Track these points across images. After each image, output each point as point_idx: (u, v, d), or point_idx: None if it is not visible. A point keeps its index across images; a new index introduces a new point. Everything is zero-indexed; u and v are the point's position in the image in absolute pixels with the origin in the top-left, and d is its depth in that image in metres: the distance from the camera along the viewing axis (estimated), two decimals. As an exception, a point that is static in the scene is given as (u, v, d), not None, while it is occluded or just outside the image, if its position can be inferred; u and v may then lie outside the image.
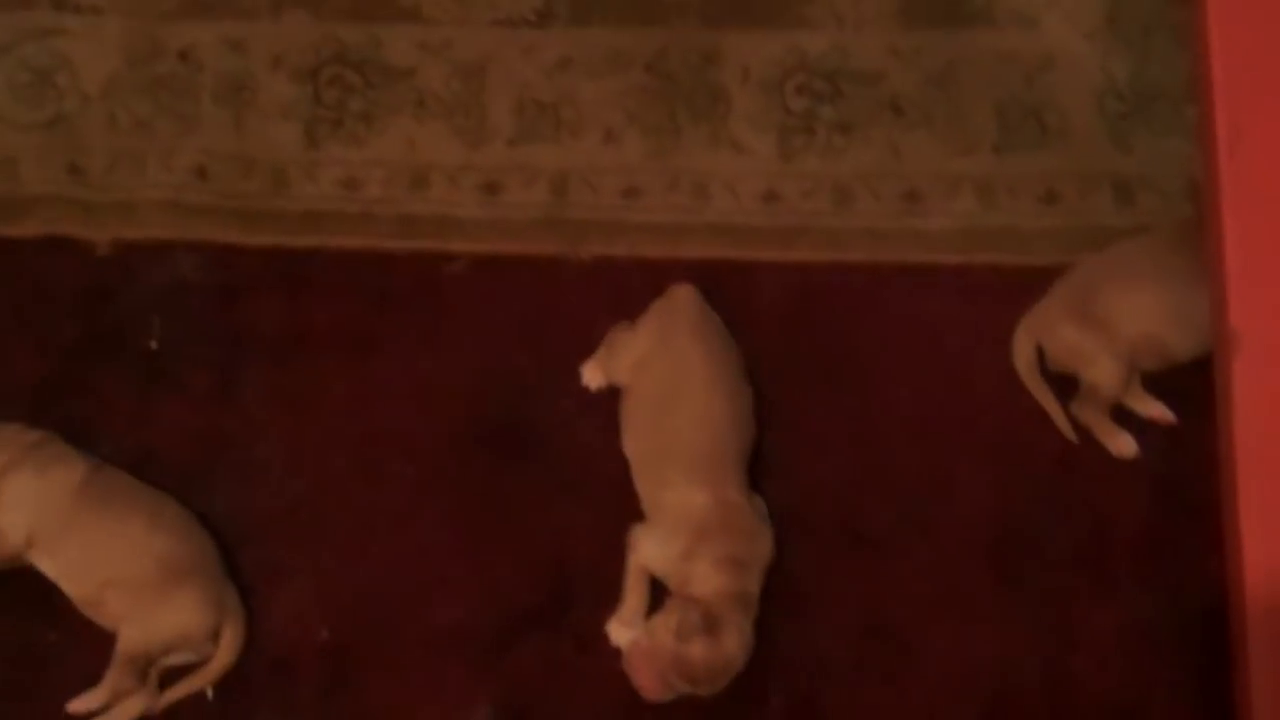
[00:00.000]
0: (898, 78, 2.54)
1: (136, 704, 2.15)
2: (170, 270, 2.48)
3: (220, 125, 2.57)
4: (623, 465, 2.27)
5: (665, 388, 2.23)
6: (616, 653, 2.17)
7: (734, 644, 2.08)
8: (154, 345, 2.42)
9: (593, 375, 2.33)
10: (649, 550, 2.18)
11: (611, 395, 2.32)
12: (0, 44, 2.65)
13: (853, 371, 2.39)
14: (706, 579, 2.11)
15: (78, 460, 2.24)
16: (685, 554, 2.13)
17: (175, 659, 2.19)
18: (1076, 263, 2.36)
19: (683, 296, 2.30)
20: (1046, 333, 2.30)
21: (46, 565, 2.21)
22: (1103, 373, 2.26)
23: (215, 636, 2.18)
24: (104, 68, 2.61)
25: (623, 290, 2.41)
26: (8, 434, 2.25)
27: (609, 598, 2.21)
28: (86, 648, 2.20)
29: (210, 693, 2.20)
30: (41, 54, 2.63)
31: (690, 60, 2.57)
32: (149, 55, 2.62)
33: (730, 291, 2.40)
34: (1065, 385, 2.33)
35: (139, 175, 2.54)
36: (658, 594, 2.19)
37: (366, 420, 2.37)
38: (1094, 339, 2.26)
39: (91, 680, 2.17)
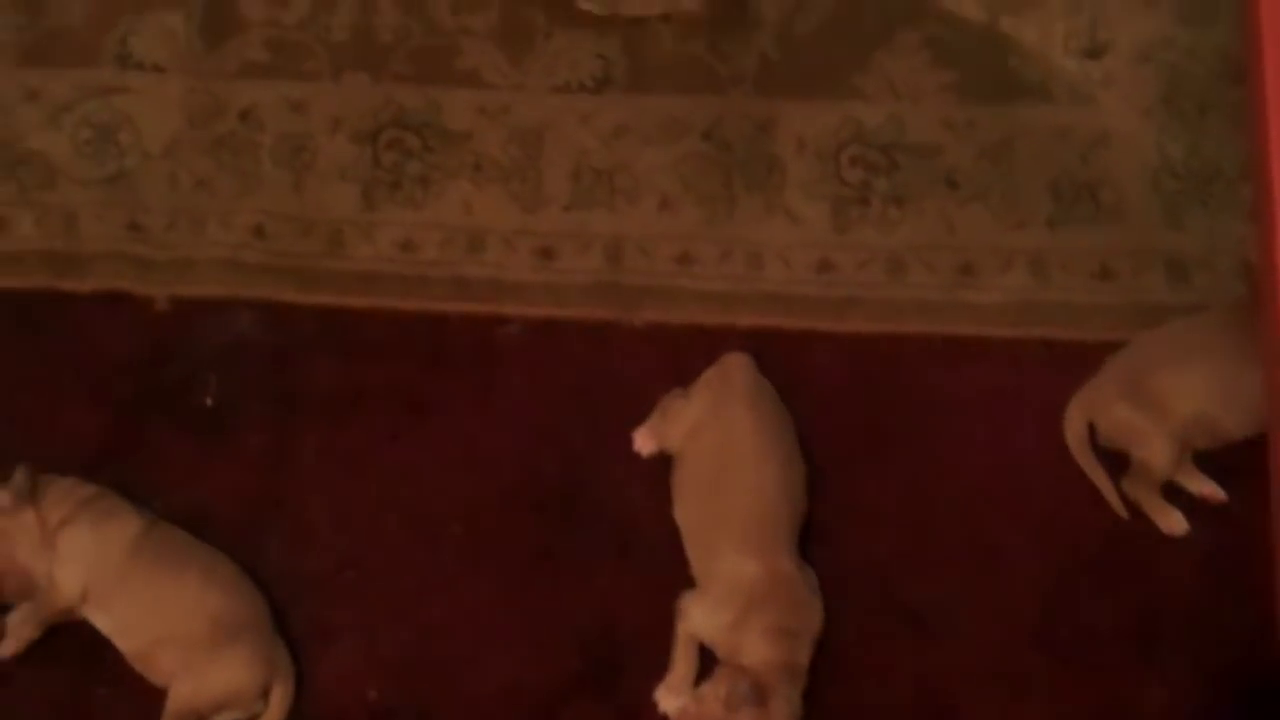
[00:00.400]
0: (953, 151, 2.59)
1: (185, 760, 2.19)
2: (227, 328, 2.53)
3: (279, 185, 2.63)
4: (673, 532, 2.30)
5: (718, 456, 2.27)
6: (664, 720, 2.20)
7: (782, 715, 2.11)
8: (209, 402, 2.47)
9: (645, 442, 2.37)
10: (699, 618, 2.21)
11: (663, 462, 2.36)
12: (64, 100, 2.71)
13: (904, 443, 2.42)
14: (756, 649, 2.14)
15: (133, 516, 2.29)
16: (735, 623, 2.17)
17: (225, 716, 2.22)
18: (1130, 340, 2.39)
19: (737, 365, 2.35)
20: (1099, 409, 2.33)
21: (99, 619, 2.25)
22: (1155, 451, 2.29)
23: (265, 695, 2.22)
24: (166, 126, 2.68)
25: (676, 357, 2.46)
26: (64, 488, 2.30)
27: (657, 665, 2.25)
28: (136, 703, 2.25)
29: (259, 750, 2.24)
30: (104, 111, 2.70)
31: (746, 129, 2.62)
32: (210, 115, 2.69)
33: (783, 361, 2.43)
34: (1116, 461, 2.35)
35: (198, 233, 2.60)
36: (706, 662, 2.22)
37: (418, 481, 2.42)
38: (1147, 417, 2.29)
39: (141, 736, 2.20)
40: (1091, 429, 2.35)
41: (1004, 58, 2.66)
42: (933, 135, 2.60)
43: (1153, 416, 2.29)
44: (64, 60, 2.75)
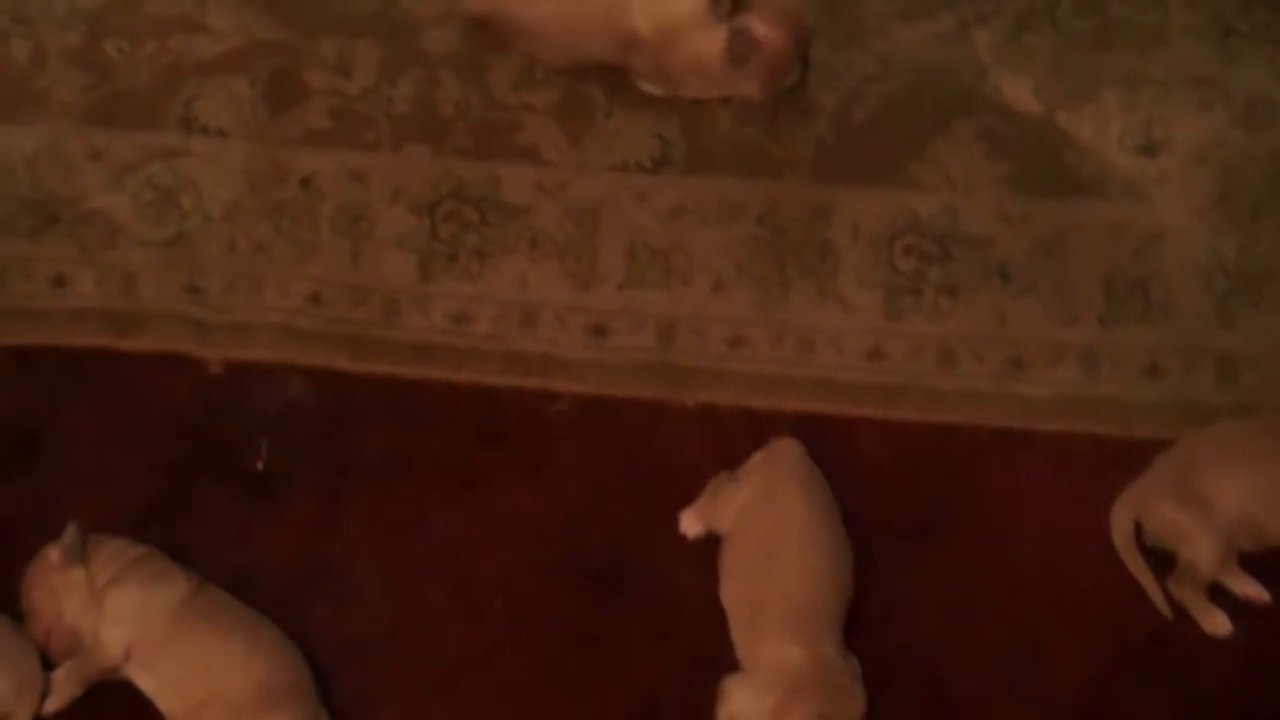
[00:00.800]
0: (1006, 243, 2.64)
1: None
2: (280, 393, 2.59)
3: (337, 253, 2.69)
4: (718, 613, 2.34)
5: (766, 540, 2.31)
6: (704, 802, 2.23)
7: (821, 801, 2.14)
8: (260, 466, 2.52)
9: (691, 524, 2.42)
10: (741, 702, 2.24)
11: (709, 543, 2.40)
12: (128, 161, 2.79)
13: (949, 533, 2.46)
14: (797, 735, 2.17)
15: (180, 578, 2.33)
16: (777, 709, 2.20)
17: (265, 781, 2.26)
18: (1178, 439, 2.43)
19: (788, 450, 2.39)
20: (1146, 508, 2.37)
21: (144, 680, 2.29)
22: (1201, 552, 2.33)
23: (306, 761, 2.25)
24: (227, 191, 2.75)
25: (725, 439, 2.50)
26: (113, 548, 2.35)
27: (699, 747, 2.27)
28: (178, 763, 2.28)
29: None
30: (167, 174, 2.78)
31: (801, 214, 2.68)
32: (272, 181, 2.76)
33: (831, 447, 2.47)
34: (1162, 560, 2.38)
35: (256, 298, 2.66)
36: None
37: (465, 553, 2.46)
38: (1194, 518, 2.32)
39: (181, 797, 2.24)
40: (1138, 527, 2.38)
41: (1060, 152, 2.71)
42: (987, 227, 2.66)
43: (1199, 517, 2.32)
44: (129, 121, 2.83)
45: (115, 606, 2.28)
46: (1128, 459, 2.44)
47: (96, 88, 2.86)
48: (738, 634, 2.29)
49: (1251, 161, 2.68)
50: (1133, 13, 2.84)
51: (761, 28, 2.68)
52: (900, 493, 2.48)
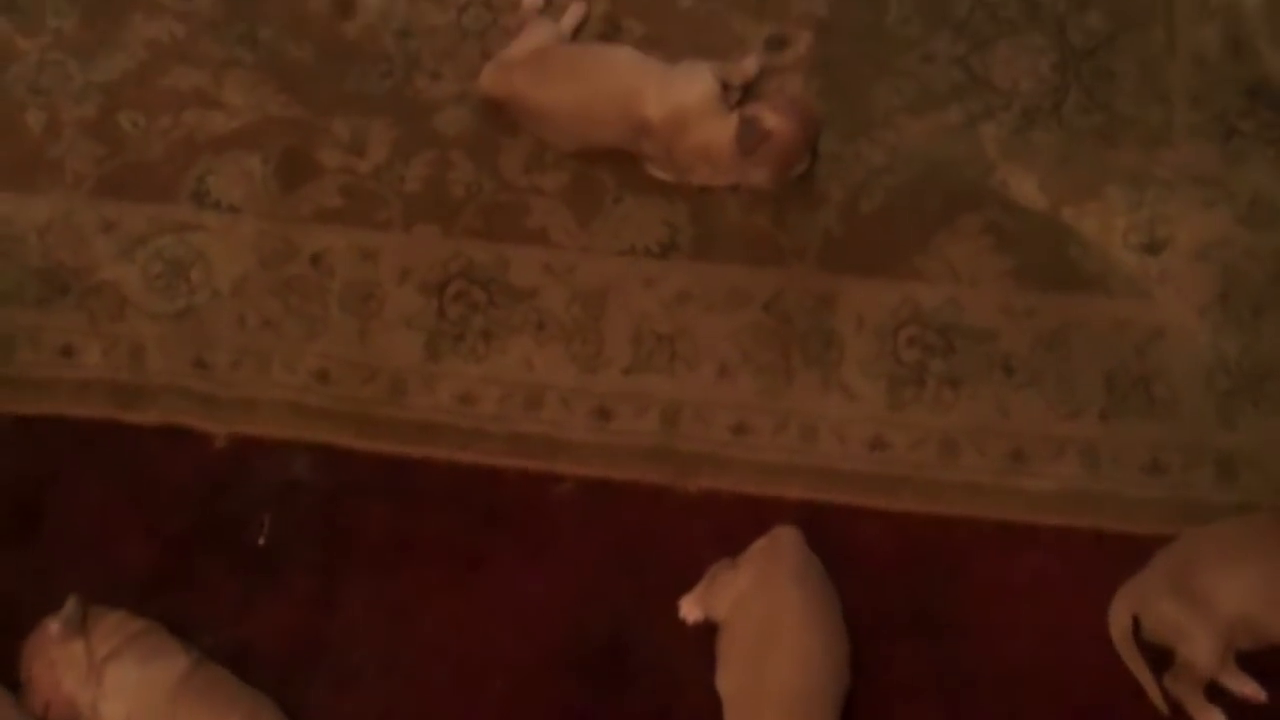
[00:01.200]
0: (1010, 337, 2.69)
1: None
2: (284, 469, 2.63)
3: (345, 331, 2.75)
4: (714, 700, 2.36)
5: (763, 628, 2.34)
6: None
7: None
8: (262, 542, 2.57)
9: (691, 609, 2.45)
10: (738, 790, 2.27)
11: (709, 628, 2.43)
12: (139, 234, 2.85)
13: (948, 624, 2.49)
14: (792, 824, 2.20)
15: (180, 653, 2.37)
16: (774, 798, 2.22)
17: None
18: (1178, 535, 2.46)
19: (787, 539, 2.43)
20: (1145, 605, 2.40)
21: (141, 755, 2.32)
22: (1199, 650, 2.36)
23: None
24: (237, 266, 2.81)
25: (726, 525, 2.54)
26: (113, 621, 2.38)
27: (692, 834, 2.30)
28: (172, 840, 2.30)
29: None
30: (178, 247, 2.83)
31: (806, 303, 2.74)
32: (282, 257, 2.82)
33: (831, 535, 2.51)
34: (1160, 656, 2.41)
35: (263, 374, 2.71)
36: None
37: (464, 634, 2.49)
38: (1192, 616, 2.35)
39: None
40: (1137, 623, 2.41)
41: (1064, 247, 2.76)
42: (990, 320, 2.71)
43: (1198, 615, 2.35)
44: (141, 194, 2.89)
45: (114, 681, 2.32)
46: (1128, 554, 2.47)
47: (110, 160, 2.92)
48: (734, 721, 2.31)
49: (1254, 261, 2.73)
50: (1138, 111, 2.88)
51: (771, 118, 2.74)
52: (901, 583, 2.51)
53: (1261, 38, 2.91)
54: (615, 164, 2.86)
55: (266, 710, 2.35)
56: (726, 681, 2.36)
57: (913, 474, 2.60)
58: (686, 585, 2.48)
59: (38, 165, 2.92)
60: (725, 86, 2.83)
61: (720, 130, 2.75)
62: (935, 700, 2.44)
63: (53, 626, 2.33)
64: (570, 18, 3.00)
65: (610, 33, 3.00)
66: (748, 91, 2.88)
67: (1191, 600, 2.35)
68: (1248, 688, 2.38)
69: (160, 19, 3.06)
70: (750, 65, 2.90)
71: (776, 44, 2.97)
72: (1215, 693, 2.40)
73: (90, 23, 3.06)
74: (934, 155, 2.84)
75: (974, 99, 2.89)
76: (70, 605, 2.33)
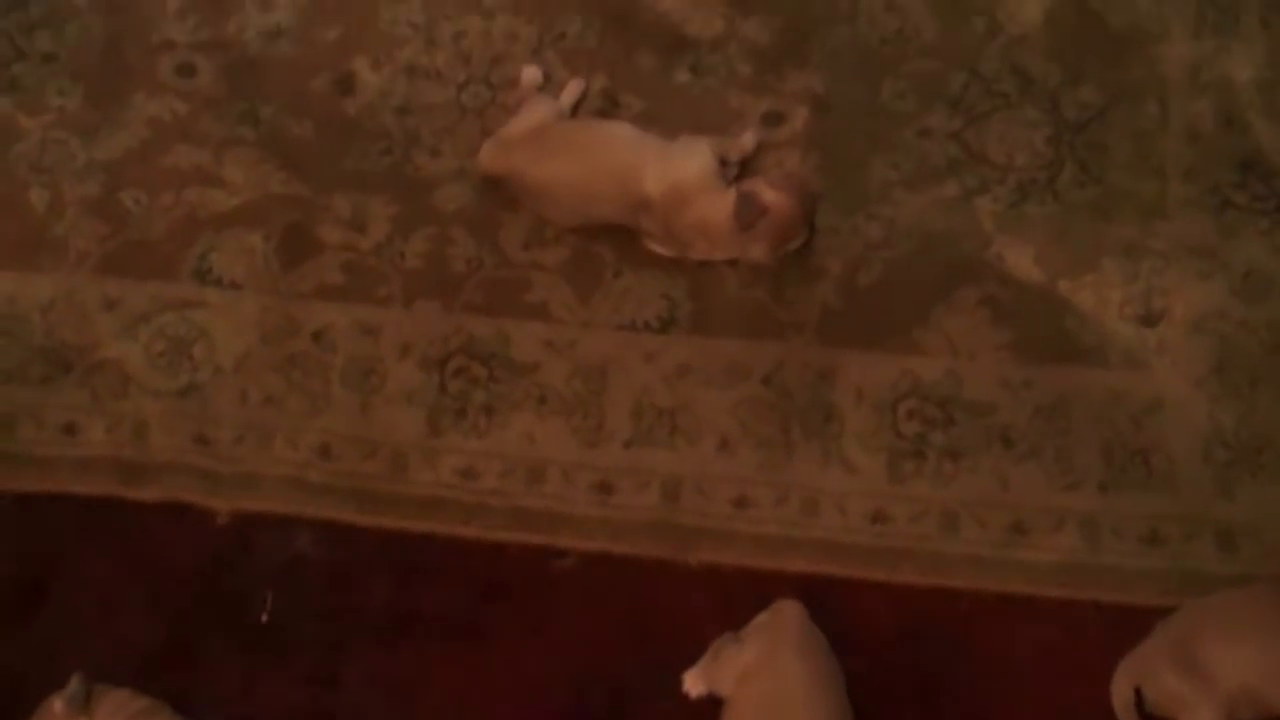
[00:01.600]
0: (1008, 409, 2.74)
1: None
2: (287, 545, 2.67)
3: (347, 407, 2.79)
4: (719, 775, 2.40)
5: (767, 703, 2.37)
6: None
7: None
8: (265, 618, 2.60)
9: (694, 683, 2.49)
10: None
11: (712, 703, 2.46)
12: (141, 312, 2.90)
13: (951, 697, 2.53)
14: None
15: (184, 730, 2.40)
16: None
17: None
18: (1178, 607, 2.50)
19: (790, 613, 2.46)
20: (1147, 676, 2.44)
21: (145, 833, 2.35)
22: (1202, 722, 2.40)
23: None
24: (239, 342, 2.86)
25: (729, 598, 2.58)
26: (117, 699, 2.41)
27: None
28: None
29: None
30: (180, 324, 2.88)
31: (806, 377, 2.79)
32: (284, 334, 2.87)
33: (833, 608, 2.55)
34: (1163, 728, 2.45)
35: (265, 450, 2.75)
36: None
37: (467, 708, 2.53)
38: (1194, 688, 2.39)
39: None
40: (1139, 695, 2.45)
41: (1061, 319, 2.82)
42: (989, 392, 2.76)
43: (1200, 687, 2.39)
44: (144, 272, 2.94)
45: (117, 760, 2.34)
46: (1129, 625, 2.51)
47: (112, 238, 2.98)
48: (740, 798, 2.34)
49: (1249, 332, 2.78)
50: (1132, 184, 2.94)
51: (769, 193, 2.80)
52: (903, 656, 2.55)
53: (1253, 111, 2.98)
54: (614, 239, 2.91)
55: (270, 787, 2.37)
56: (731, 756, 2.38)
57: (914, 546, 2.64)
58: (689, 659, 2.51)
59: (41, 243, 2.97)
60: (723, 162, 2.89)
61: (718, 206, 2.81)
62: (938, 773, 2.46)
63: (57, 704, 2.36)
64: (568, 94, 3.06)
65: (608, 109, 3.06)
66: (745, 167, 2.94)
67: (1193, 672, 2.39)
68: (1250, 759, 2.40)
69: (162, 98, 3.12)
70: (748, 141, 2.96)
71: (773, 120, 3.02)
72: (1218, 764, 2.41)
73: (93, 102, 3.12)
74: (931, 229, 2.90)
75: (969, 173, 2.95)
76: (74, 683, 2.36)
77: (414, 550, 2.66)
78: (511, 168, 2.91)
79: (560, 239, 2.93)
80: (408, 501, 2.70)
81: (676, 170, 2.83)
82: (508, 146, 2.93)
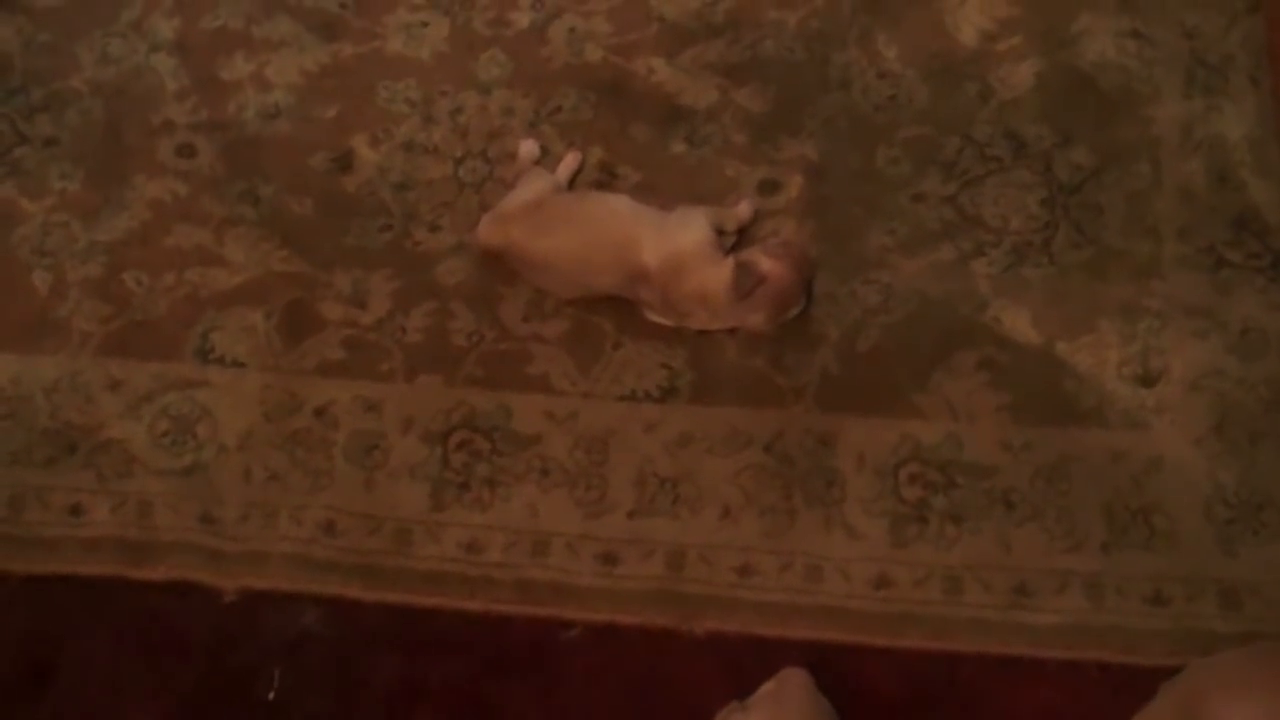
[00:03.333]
0: (1009, 472, 2.78)
1: None
2: (293, 622, 2.72)
3: (351, 483, 2.84)
4: (728, 846, 2.43)
5: (775, 770, 2.41)
6: None
7: None
8: (272, 696, 2.65)
9: (702, 752, 2.52)
10: None
11: (719, 773, 2.50)
12: (145, 392, 2.95)
13: (958, 762, 2.56)
14: None
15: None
16: None
17: None
18: (1183, 666, 2.52)
19: (795, 681, 2.50)
20: (1153, 738, 2.47)
21: None
22: (1209, 783, 2.42)
23: None
24: (243, 420, 2.91)
25: (734, 667, 2.62)
26: (126, 778, 2.45)
27: None
28: None
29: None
30: (183, 403, 2.94)
31: (807, 443, 2.83)
32: (287, 411, 2.92)
33: (839, 675, 2.59)
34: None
35: (270, 528, 2.80)
36: None
37: (476, 783, 2.56)
38: (1200, 748, 2.42)
39: None
40: (1146, 756, 2.48)
41: (1059, 381, 2.86)
42: (990, 455, 2.80)
43: (1206, 747, 2.41)
44: (147, 352, 3.00)
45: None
46: (1134, 686, 2.53)
47: (115, 318, 3.04)
48: None
49: (1248, 390, 2.82)
50: (1127, 244, 3.00)
51: (766, 262, 2.85)
52: (909, 720, 2.57)
53: (1246, 169, 3.03)
54: (614, 310, 2.97)
55: None
56: (739, 825, 2.41)
57: (918, 611, 2.67)
58: (697, 728, 2.53)
59: (44, 325, 3.03)
60: (720, 231, 2.95)
61: (716, 275, 2.86)
62: (947, 840, 2.49)
63: (66, 787, 2.39)
64: (565, 168, 3.13)
65: (605, 180, 3.13)
66: (742, 236, 3.00)
67: (1200, 732, 2.41)
68: (1260, 820, 2.42)
69: (162, 179, 3.19)
70: (744, 210, 3.02)
71: (769, 188, 3.09)
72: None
73: (94, 184, 3.20)
74: (928, 293, 2.95)
75: (965, 237, 3.01)
76: (83, 765, 2.39)
77: (420, 625, 2.70)
78: (510, 241, 2.97)
79: (560, 311, 2.98)
80: (412, 576, 2.75)
81: (674, 241, 2.89)
82: (506, 220, 2.99)
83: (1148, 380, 2.84)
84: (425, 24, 3.36)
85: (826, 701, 2.48)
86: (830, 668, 2.58)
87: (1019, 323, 2.90)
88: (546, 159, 3.15)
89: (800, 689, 2.48)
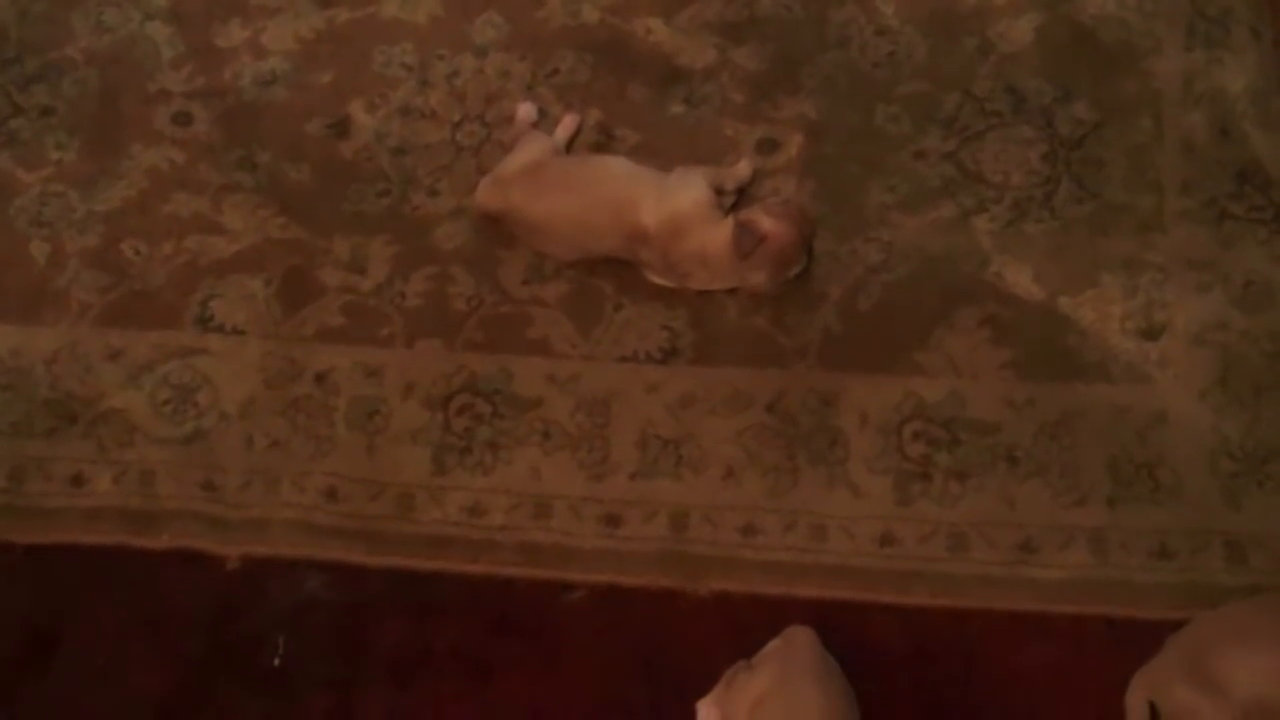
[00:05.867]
0: (1012, 428, 2.77)
1: None
2: (297, 588, 2.72)
3: (352, 448, 2.84)
4: (735, 804, 2.43)
5: (782, 729, 2.41)
6: None
7: None
8: (277, 662, 2.65)
9: (708, 712, 2.51)
10: None
11: (725, 732, 2.50)
12: (145, 361, 2.95)
13: (963, 717, 2.56)
14: None
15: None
16: None
17: None
18: (1190, 619, 2.53)
19: (801, 639, 2.50)
20: (1160, 691, 2.46)
21: None
22: (1219, 734, 2.42)
23: None
24: (243, 388, 2.91)
25: (740, 626, 2.61)
26: (132, 746, 2.46)
27: None
28: None
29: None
30: (184, 372, 2.94)
31: (809, 402, 2.83)
32: (287, 378, 2.92)
33: (845, 633, 2.58)
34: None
35: (272, 494, 2.80)
36: None
37: (481, 747, 2.56)
38: (1208, 700, 2.40)
39: None
40: (1153, 709, 2.47)
41: (1062, 336, 2.85)
42: (993, 412, 2.79)
43: (1212, 699, 2.40)
44: (146, 321, 3.00)
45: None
46: (1139, 640, 2.54)
47: (114, 288, 3.03)
48: (757, 825, 2.37)
49: (1251, 343, 2.81)
50: (1129, 198, 2.98)
51: (766, 221, 2.84)
52: (915, 677, 2.58)
53: (1248, 121, 3.02)
54: (614, 272, 2.96)
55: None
56: (747, 785, 2.41)
57: (923, 568, 2.67)
58: (701, 688, 2.54)
59: (43, 296, 3.03)
60: (719, 191, 2.94)
61: (716, 235, 2.85)
62: (955, 793, 2.49)
63: (72, 755, 2.39)
64: (563, 130, 3.11)
65: (604, 142, 3.12)
66: (742, 195, 2.98)
67: (1206, 684, 2.41)
68: (1269, 772, 2.42)
69: (159, 147, 3.18)
70: (743, 169, 3.01)
71: (768, 147, 3.07)
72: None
73: (90, 154, 3.19)
74: (929, 250, 2.94)
75: (966, 193, 2.99)
76: (89, 733, 2.39)
77: (424, 589, 2.70)
78: (509, 205, 2.96)
79: (560, 274, 2.97)
80: (416, 540, 2.74)
81: (673, 202, 2.88)
82: (504, 184, 2.98)
83: (1151, 334, 2.83)
84: (420, -13, 3.34)
85: (832, 658, 2.48)
86: (836, 626, 2.58)
87: (1021, 278, 2.89)
88: (544, 121, 3.14)
89: (806, 647, 2.48)
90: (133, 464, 2.84)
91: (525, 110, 3.14)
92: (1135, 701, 2.48)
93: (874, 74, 3.15)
